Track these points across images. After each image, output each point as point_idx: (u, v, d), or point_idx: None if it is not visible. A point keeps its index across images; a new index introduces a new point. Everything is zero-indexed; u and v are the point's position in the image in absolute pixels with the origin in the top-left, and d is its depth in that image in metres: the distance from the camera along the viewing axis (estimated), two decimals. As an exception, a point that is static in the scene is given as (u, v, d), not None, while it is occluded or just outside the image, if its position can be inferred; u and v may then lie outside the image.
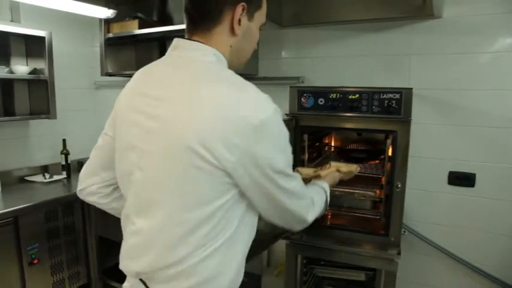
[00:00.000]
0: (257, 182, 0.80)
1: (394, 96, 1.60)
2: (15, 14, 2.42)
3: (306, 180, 1.24)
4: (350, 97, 1.69)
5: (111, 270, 2.52)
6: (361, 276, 1.86)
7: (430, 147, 2.02)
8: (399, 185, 1.62)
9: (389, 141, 1.65)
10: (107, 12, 2.31)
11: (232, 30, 0.88)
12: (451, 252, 2.03)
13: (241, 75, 0.84)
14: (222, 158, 0.75)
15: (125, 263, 0.92)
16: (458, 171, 1.97)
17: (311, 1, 1.93)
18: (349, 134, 2.14)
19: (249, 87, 0.81)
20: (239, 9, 0.86)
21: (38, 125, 2.66)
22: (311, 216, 0.97)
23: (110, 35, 2.51)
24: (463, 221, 1.99)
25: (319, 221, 1.85)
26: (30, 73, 2.39)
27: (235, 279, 0.89)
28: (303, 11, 2.12)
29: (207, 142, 0.74)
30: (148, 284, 0.88)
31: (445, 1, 1.90)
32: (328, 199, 1.13)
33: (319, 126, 1.85)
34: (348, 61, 2.19)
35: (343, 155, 2.07)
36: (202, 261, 0.82)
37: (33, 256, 2.09)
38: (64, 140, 2.69)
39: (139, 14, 2.48)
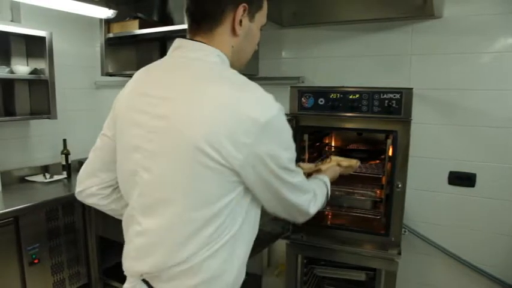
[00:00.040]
0: (263, 178, 0.82)
1: (395, 96, 1.60)
2: (15, 14, 2.41)
3: (307, 175, 1.26)
4: (350, 97, 1.69)
5: (111, 270, 2.53)
6: (361, 276, 1.86)
7: (431, 147, 2.02)
8: (399, 185, 1.62)
9: (389, 141, 1.65)
10: (107, 12, 2.31)
11: (233, 31, 0.88)
12: (452, 252, 2.03)
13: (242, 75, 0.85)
14: (229, 157, 0.76)
15: (130, 264, 0.91)
16: (458, 171, 1.98)
17: (311, 1, 1.93)
18: (350, 134, 2.14)
19: (253, 86, 0.82)
20: (240, 10, 0.87)
21: (38, 125, 2.66)
22: (313, 209, 1.00)
23: (110, 35, 2.52)
24: (464, 221, 1.99)
25: (319, 221, 1.87)
26: (30, 73, 2.39)
27: (239, 277, 0.90)
28: (303, 11, 2.12)
29: (214, 141, 0.75)
30: (152, 283, 0.88)
31: (446, 1, 1.90)
32: (329, 192, 1.16)
33: (319, 126, 1.85)
34: (348, 61, 2.19)
35: (343, 155, 2.06)
36: (209, 259, 0.83)
37: (33, 256, 2.09)
38: (64, 140, 2.69)
39: (140, 14, 2.48)
